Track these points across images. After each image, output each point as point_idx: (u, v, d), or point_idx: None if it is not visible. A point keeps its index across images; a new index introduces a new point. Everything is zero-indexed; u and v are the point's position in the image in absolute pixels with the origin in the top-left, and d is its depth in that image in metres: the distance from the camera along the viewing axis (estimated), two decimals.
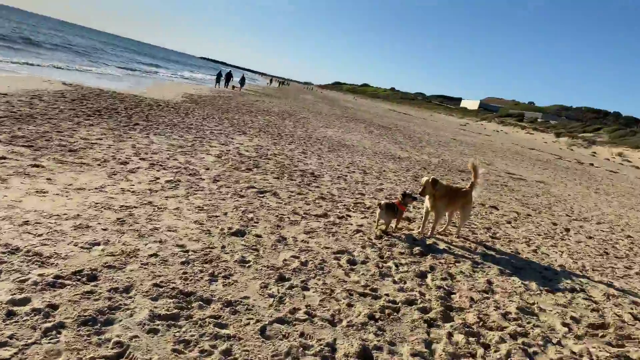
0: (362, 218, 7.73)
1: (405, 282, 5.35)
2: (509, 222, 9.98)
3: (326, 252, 5.79)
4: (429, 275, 5.74)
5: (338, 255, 5.78)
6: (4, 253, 4.01)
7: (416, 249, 6.59)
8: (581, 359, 4.37)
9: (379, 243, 6.58)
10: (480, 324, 4.68)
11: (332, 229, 6.82)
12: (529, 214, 11.53)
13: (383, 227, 7.17)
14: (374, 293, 4.87)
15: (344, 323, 4.10)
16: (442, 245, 7.11)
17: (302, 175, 10.23)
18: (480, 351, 4.10)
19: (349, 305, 4.48)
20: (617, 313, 5.77)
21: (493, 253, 7.31)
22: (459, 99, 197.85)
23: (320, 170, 11.34)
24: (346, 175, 11.33)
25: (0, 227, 4.50)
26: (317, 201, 8.21)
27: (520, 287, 6.00)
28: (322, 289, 4.71)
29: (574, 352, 4.49)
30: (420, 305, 4.78)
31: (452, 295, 5.28)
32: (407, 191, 8.19)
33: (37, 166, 6.72)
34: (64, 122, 10.17)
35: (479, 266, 6.50)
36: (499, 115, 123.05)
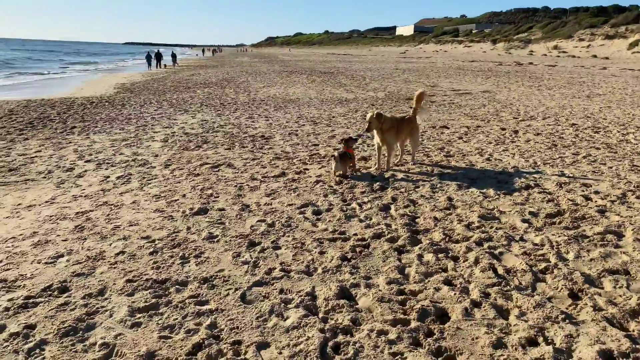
0: (319, 168, 7.83)
1: (370, 219, 5.52)
2: (461, 138, 10.28)
3: (290, 209, 5.88)
4: (392, 207, 5.93)
5: (302, 209, 5.89)
6: None
7: (376, 185, 6.76)
8: (543, 248, 4.67)
9: (340, 188, 6.72)
10: (447, 239, 4.91)
11: (292, 185, 6.89)
12: (478, 125, 11.88)
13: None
14: (342, 236, 5.02)
15: (319, 270, 4.24)
16: (400, 175, 7.31)
17: (253, 140, 10.19)
18: (451, 264, 4.33)
19: (321, 252, 4.62)
20: (570, 198, 6.14)
21: (449, 171, 7.57)
22: (394, 28, 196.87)
23: (270, 131, 11.30)
24: (297, 130, 11.33)
25: None
26: (272, 162, 8.24)
27: (478, 196, 6.28)
28: (292, 244, 4.83)
29: (535, 244, 4.79)
30: (388, 236, 4.97)
31: (417, 220, 5.50)
32: (347, 136, 8.27)
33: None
34: None
35: (438, 186, 6.74)
36: (435, 35, 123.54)
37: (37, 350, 3.12)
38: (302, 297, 3.75)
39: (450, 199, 6.19)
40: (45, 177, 7.31)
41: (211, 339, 3.24)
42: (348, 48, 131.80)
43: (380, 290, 3.87)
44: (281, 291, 3.89)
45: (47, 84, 28.50)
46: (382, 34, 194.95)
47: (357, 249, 4.67)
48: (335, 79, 27.76)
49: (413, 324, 3.40)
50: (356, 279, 4.08)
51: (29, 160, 8.34)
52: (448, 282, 4.02)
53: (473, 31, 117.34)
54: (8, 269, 4.29)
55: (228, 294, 3.84)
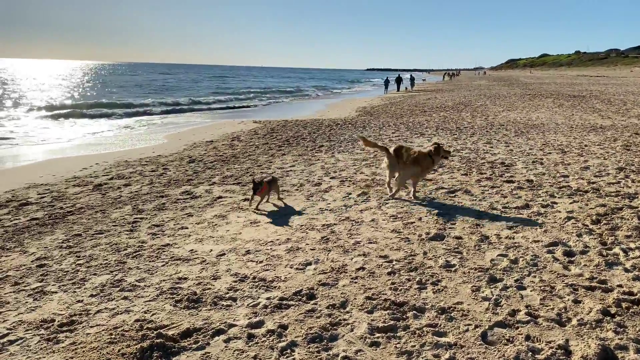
0: (570, 203, 6.98)
1: None
2: None
3: (536, 246, 5.34)
4: None
5: (551, 247, 5.29)
6: (235, 281, 4.57)
7: None
8: None
9: (598, 229, 5.85)
10: None
11: (537, 219, 6.28)
12: None
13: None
14: (603, 285, 4.32)
15: (574, 322, 3.70)
16: None
17: (492, 166, 9.69)
18: None
19: (576, 301, 4.04)
20: None
21: None
22: None
23: (510, 158, 10.61)
24: (542, 159, 10.40)
25: (229, 259, 5.15)
26: (514, 192, 7.67)
27: None
28: (540, 286, 4.35)
29: None
30: None
31: None
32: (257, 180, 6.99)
33: (247, 199, 7.54)
34: (261, 156, 11.31)
35: None
36: None
37: (289, 351, 3.40)
38: (554, 350, 3.31)
39: None
40: (297, 190, 8.16)
41: None
42: (603, 69, 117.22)
43: None
44: (527, 338, 3.50)
45: (295, 107, 32.27)
46: None
47: (623, 304, 3.94)
48: (587, 104, 24.83)
49: None
50: (623, 340, 3.43)
51: (285, 173, 9.45)
52: None
53: None
54: (267, 270, 4.84)
55: (467, 330, 3.62)
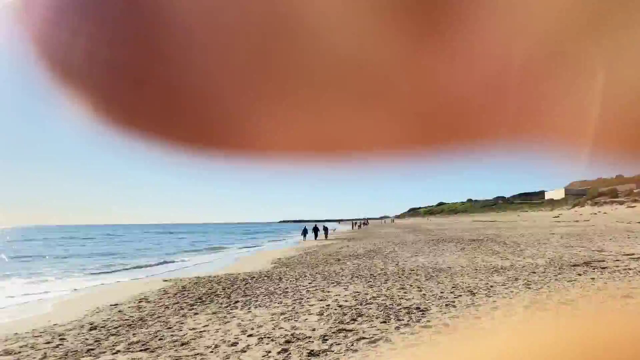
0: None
1: None
2: None
3: None
4: None
5: None
6: None
7: None
8: None
9: None
10: None
11: None
12: None
13: None
14: None
15: None
16: None
17: (408, 312, 9.80)
18: None
19: None
20: None
21: None
22: (542, 192, 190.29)
23: (424, 302, 10.84)
24: (454, 301, 10.72)
25: None
26: (433, 338, 7.71)
27: None
28: None
29: None
30: None
31: None
32: None
33: None
34: (172, 318, 10.61)
35: None
36: (590, 197, 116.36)
37: None
38: None
39: None
40: (212, 352, 7.61)
41: None
42: (494, 215, 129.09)
43: None
44: None
45: (212, 263, 31.60)
46: (530, 198, 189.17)
47: None
48: (486, 246, 26.71)
49: None
50: None
51: (198, 335, 8.85)
52: None
53: (634, 190, 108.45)
54: None
55: None
